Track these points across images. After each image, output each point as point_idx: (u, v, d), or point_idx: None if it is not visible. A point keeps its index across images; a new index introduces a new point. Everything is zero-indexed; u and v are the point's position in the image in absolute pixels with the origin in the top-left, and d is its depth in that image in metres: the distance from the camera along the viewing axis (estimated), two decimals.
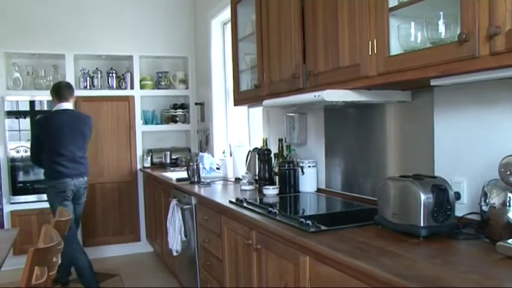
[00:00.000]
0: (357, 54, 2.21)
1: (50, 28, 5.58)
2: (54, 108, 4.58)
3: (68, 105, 4.57)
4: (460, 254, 1.77)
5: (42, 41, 5.52)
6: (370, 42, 2.11)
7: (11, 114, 5.40)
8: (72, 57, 5.63)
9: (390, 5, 2.00)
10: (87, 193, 4.74)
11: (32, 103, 5.47)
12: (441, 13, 1.81)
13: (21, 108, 5.45)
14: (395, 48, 2.03)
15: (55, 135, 4.41)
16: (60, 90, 4.56)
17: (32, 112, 5.48)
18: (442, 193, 1.89)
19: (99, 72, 5.87)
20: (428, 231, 1.88)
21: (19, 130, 5.43)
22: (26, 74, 5.59)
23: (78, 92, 5.60)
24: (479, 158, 2.08)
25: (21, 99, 5.45)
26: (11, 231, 3.66)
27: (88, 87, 5.80)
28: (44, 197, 5.35)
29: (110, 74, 5.91)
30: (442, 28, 1.82)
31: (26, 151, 5.33)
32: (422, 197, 1.87)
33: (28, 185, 5.45)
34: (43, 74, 5.63)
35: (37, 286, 1.94)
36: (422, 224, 1.87)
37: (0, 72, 5.39)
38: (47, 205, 5.41)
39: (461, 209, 2.08)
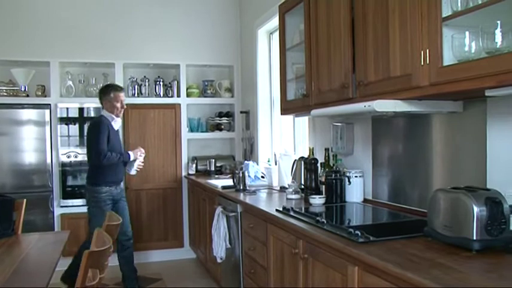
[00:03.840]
0: (409, 64, 2.20)
1: (101, 38, 5.78)
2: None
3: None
4: None
5: (93, 50, 5.72)
6: (422, 52, 2.09)
7: (62, 120, 5.57)
8: (121, 65, 5.79)
9: (444, 15, 1.98)
10: (92, 200, 4.56)
11: (80, 110, 5.65)
12: (498, 22, 1.78)
13: (70, 115, 5.64)
14: (448, 58, 2.00)
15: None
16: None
17: (80, 119, 5.68)
18: (496, 206, 1.84)
19: (146, 80, 6.01)
20: (482, 245, 1.83)
21: (68, 136, 5.60)
22: (78, 82, 5.78)
23: (126, 100, 5.74)
24: None
25: (71, 106, 5.63)
26: (62, 233, 3.78)
27: (136, 95, 5.93)
28: None
29: (157, 82, 6.03)
30: (498, 37, 1.79)
31: (76, 156, 5.54)
32: (476, 209, 1.83)
33: (76, 189, 5.59)
34: (93, 82, 5.81)
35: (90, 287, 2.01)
36: (475, 238, 1.83)
37: (55, 80, 5.59)
38: None
39: None
